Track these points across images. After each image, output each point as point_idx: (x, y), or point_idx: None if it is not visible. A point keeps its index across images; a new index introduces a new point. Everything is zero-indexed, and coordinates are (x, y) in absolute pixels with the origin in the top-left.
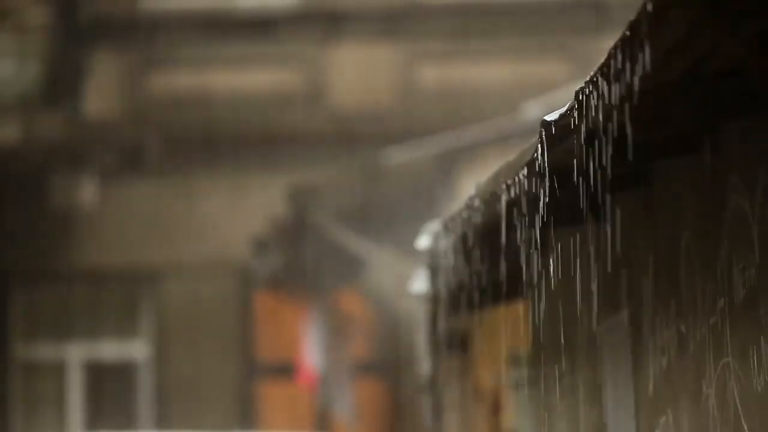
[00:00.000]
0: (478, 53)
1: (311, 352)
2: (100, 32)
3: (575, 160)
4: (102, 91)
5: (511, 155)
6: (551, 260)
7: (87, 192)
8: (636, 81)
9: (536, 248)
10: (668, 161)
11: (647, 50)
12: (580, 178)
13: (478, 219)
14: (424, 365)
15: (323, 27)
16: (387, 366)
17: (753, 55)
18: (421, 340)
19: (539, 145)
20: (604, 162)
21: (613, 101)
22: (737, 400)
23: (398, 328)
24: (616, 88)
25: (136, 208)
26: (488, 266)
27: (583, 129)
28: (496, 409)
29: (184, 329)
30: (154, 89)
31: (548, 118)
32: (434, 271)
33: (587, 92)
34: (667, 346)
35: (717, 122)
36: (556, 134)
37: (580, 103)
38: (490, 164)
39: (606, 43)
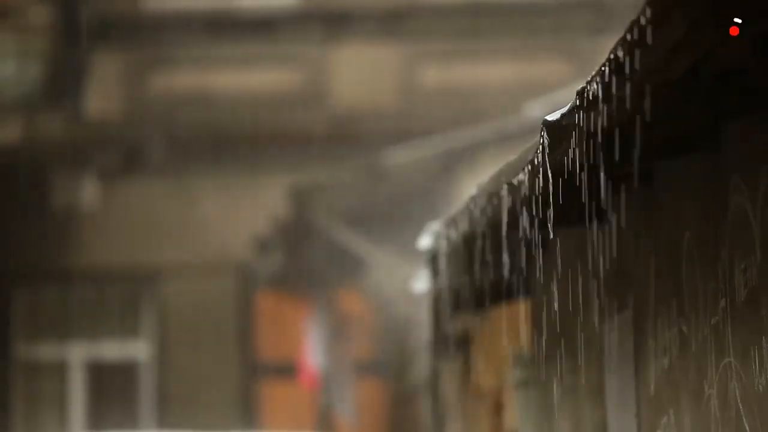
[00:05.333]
0: (480, 53)
1: (312, 352)
2: (101, 32)
3: (577, 160)
4: (103, 91)
5: (512, 155)
6: (553, 260)
7: (88, 192)
8: (637, 81)
9: (538, 248)
10: (669, 161)
11: (648, 50)
12: (582, 178)
13: (479, 219)
14: (425, 365)
15: (324, 27)
16: (388, 366)
17: (753, 55)
18: (422, 339)
19: (541, 146)
20: (605, 162)
21: (614, 101)
22: (739, 401)
23: (399, 327)
24: (617, 88)
25: (137, 207)
26: (490, 266)
27: (584, 129)
28: (497, 409)
29: (185, 329)
30: (155, 89)
31: (550, 118)
32: (435, 271)
33: (588, 92)
34: (669, 346)
35: (717, 122)
36: (558, 134)
37: (581, 103)
38: (491, 164)
39: (607, 43)
